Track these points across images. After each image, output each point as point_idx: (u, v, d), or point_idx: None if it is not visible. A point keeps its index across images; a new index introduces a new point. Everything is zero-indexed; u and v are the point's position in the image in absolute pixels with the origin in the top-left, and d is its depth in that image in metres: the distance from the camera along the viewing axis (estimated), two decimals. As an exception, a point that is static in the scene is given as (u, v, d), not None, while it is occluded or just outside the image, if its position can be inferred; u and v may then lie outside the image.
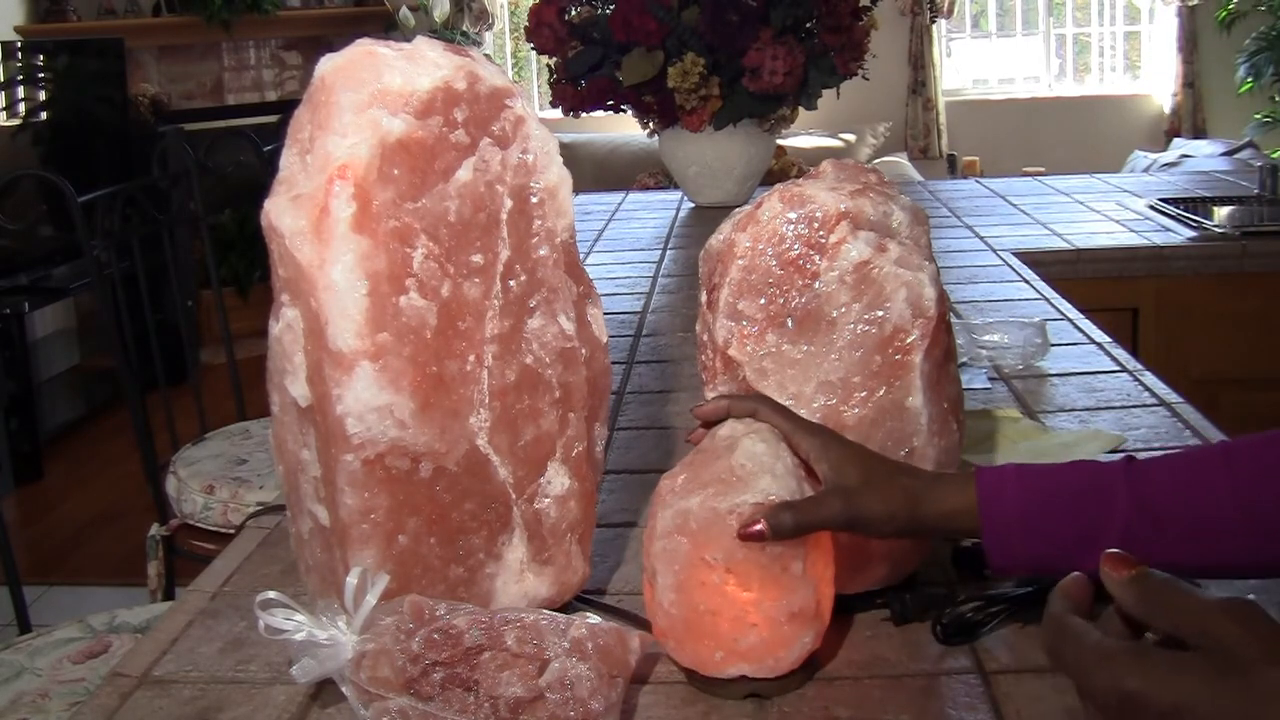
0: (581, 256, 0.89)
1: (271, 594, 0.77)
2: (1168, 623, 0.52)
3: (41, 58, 4.61)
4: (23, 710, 1.36)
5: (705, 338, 0.91)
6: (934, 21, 6.04)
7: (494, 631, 0.74)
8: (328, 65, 0.80)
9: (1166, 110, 6.05)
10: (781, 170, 3.97)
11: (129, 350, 2.06)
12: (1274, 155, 4.61)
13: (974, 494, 0.79)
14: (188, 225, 2.69)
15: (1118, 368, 1.44)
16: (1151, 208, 2.52)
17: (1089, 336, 1.58)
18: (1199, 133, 5.87)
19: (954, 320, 0.87)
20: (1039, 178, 3.05)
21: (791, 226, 0.86)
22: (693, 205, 2.74)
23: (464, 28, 5.86)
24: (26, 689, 1.40)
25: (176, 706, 0.80)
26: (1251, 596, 0.51)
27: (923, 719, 0.75)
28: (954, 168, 5.85)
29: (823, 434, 0.82)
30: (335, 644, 0.74)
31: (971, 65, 6.52)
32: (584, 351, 0.86)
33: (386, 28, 5.47)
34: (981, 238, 2.28)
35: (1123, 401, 1.32)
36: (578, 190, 1.00)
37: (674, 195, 2.91)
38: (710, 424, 0.85)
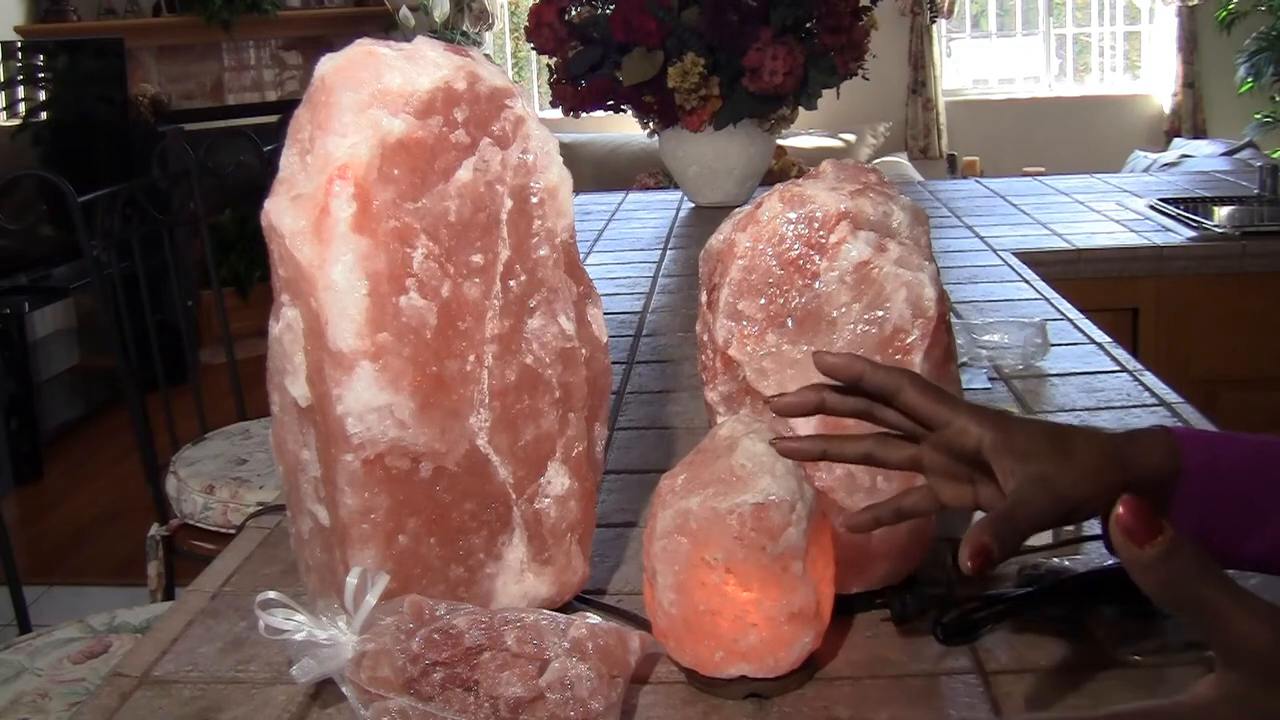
0: (581, 256, 0.89)
1: (271, 594, 0.77)
2: (1190, 612, 0.45)
3: (41, 58, 4.61)
4: (23, 710, 1.36)
5: (705, 338, 0.91)
6: (934, 21, 6.04)
7: (494, 631, 0.74)
8: (328, 65, 0.80)
9: (1166, 110, 6.05)
10: (781, 170, 3.97)
11: (129, 350, 2.06)
12: (1274, 155, 4.61)
13: (1178, 458, 0.71)
14: (188, 225, 2.69)
15: (1118, 368, 1.44)
16: (1151, 208, 2.52)
17: (1089, 336, 1.58)
18: (1199, 133, 5.87)
19: (954, 320, 0.87)
20: (1039, 178, 3.05)
21: (791, 226, 0.86)
22: (693, 205, 2.74)
23: (464, 28, 5.86)
24: (26, 689, 1.40)
25: (176, 706, 0.80)
26: None
27: (923, 718, 0.75)
28: (954, 168, 5.84)
29: (992, 418, 0.70)
30: (335, 644, 0.74)
31: (971, 65, 6.52)
32: (584, 351, 0.86)
33: (386, 28, 5.48)
34: (981, 238, 2.28)
35: (1123, 401, 1.32)
36: (578, 190, 1.00)
37: (674, 195, 2.91)
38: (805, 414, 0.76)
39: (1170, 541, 0.44)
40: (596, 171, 5.48)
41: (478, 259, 0.81)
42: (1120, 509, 0.44)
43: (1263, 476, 0.71)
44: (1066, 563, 0.89)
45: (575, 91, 2.52)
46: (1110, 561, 0.92)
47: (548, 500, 0.85)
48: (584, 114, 2.57)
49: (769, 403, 0.76)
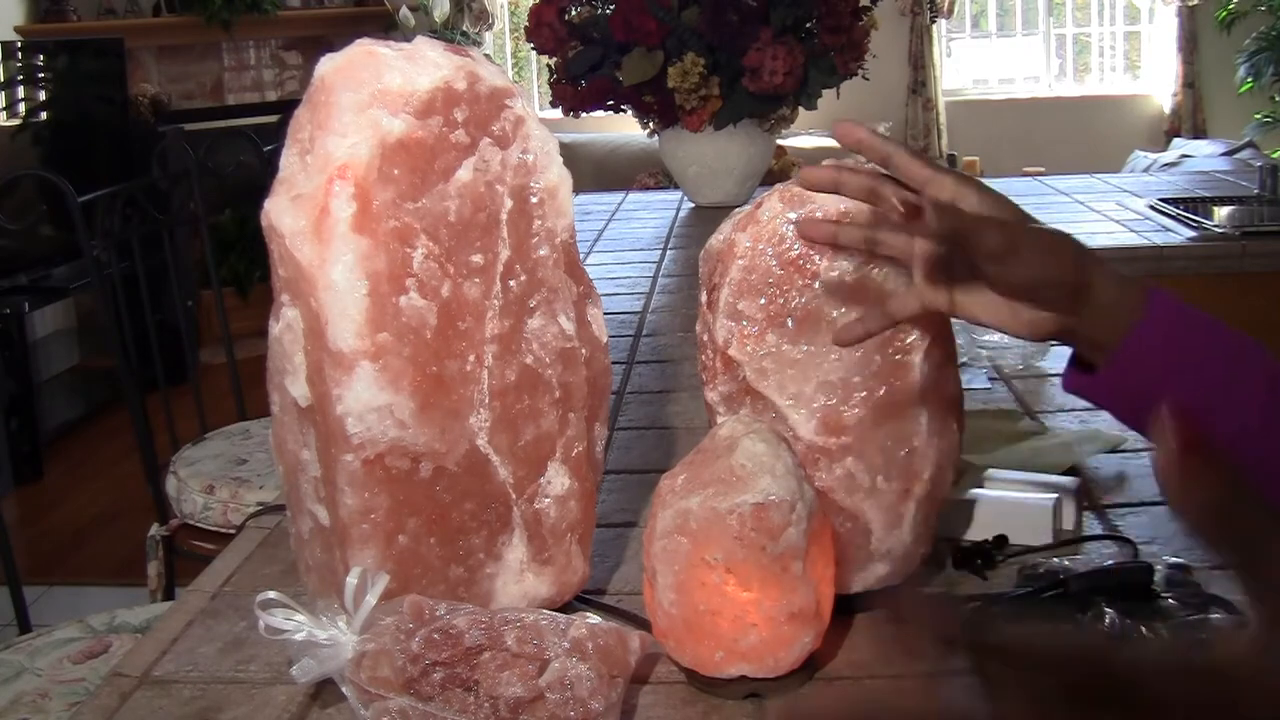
0: (581, 256, 0.89)
1: (271, 594, 0.77)
2: (1233, 547, 0.40)
3: (41, 58, 4.61)
4: (23, 710, 1.36)
5: (705, 338, 0.91)
6: (934, 21, 6.04)
7: (494, 631, 0.74)
8: (328, 65, 0.80)
9: (1166, 110, 6.05)
10: (781, 170, 3.97)
11: (129, 350, 2.06)
12: (1274, 155, 4.61)
13: (1140, 302, 0.74)
14: (188, 225, 2.68)
15: (1118, 368, 1.44)
16: (1151, 208, 2.52)
17: (1089, 336, 1.58)
18: (1199, 133, 5.87)
19: (954, 320, 0.87)
20: (1039, 178, 3.05)
21: (791, 226, 0.86)
22: (693, 205, 2.74)
23: (464, 28, 5.86)
24: (26, 689, 1.40)
25: (176, 706, 0.80)
26: None
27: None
28: (954, 168, 5.84)
29: (971, 180, 0.76)
30: (335, 644, 0.74)
31: (971, 65, 6.51)
32: (584, 351, 0.86)
33: (386, 28, 5.47)
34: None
35: (1123, 401, 1.31)
36: (578, 190, 1.00)
37: (674, 195, 2.91)
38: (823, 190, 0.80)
39: (1230, 482, 0.39)
40: (596, 171, 5.48)
41: (478, 259, 0.81)
42: (1168, 417, 0.39)
43: (1220, 360, 0.74)
44: (1066, 563, 0.89)
45: (575, 91, 2.52)
46: (1110, 562, 0.92)
47: (548, 500, 0.85)
48: (584, 114, 2.57)
49: (803, 177, 0.81)
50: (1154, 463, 0.40)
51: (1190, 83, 5.96)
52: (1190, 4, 5.86)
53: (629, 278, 2.09)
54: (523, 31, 3.15)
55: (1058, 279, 0.73)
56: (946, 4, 6.04)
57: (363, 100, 0.77)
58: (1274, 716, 0.38)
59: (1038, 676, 0.40)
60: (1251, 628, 0.40)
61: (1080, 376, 0.78)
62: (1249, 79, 5.38)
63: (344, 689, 0.74)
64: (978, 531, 0.97)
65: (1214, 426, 0.65)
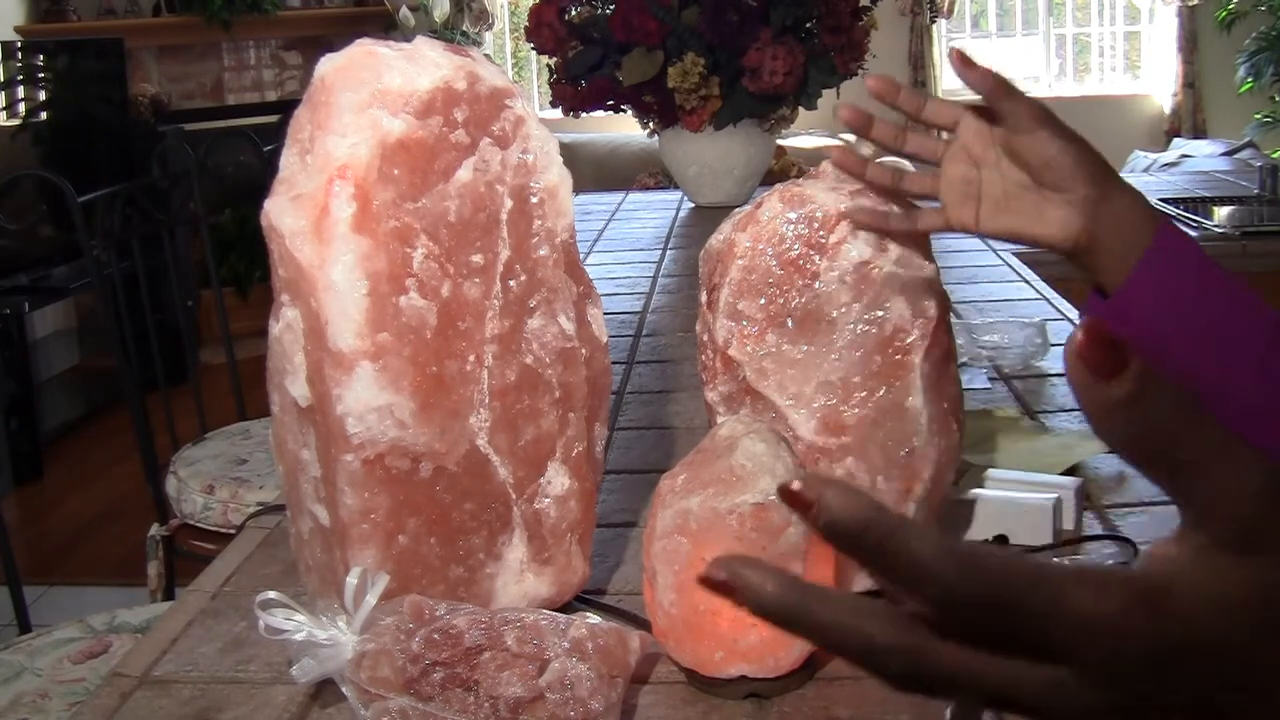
0: (581, 256, 0.89)
1: (271, 594, 0.77)
2: (1163, 463, 0.36)
3: (41, 58, 4.61)
4: (23, 710, 1.36)
5: (705, 338, 0.91)
6: (934, 21, 6.04)
7: (494, 631, 0.74)
8: (328, 65, 0.80)
9: (1166, 110, 6.05)
10: (781, 170, 3.97)
11: (129, 350, 2.06)
12: (1274, 155, 4.60)
13: (1149, 239, 0.79)
14: (188, 225, 2.68)
15: (1118, 368, 1.44)
16: (1151, 208, 2.52)
17: (1089, 336, 1.57)
18: (1199, 133, 5.87)
19: (954, 320, 0.87)
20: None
21: (791, 226, 0.86)
22: (693, 205, 2.74)
23: (464, 28, 5.86)
24: (26, 689, 1.40)
25: (176, 706, 0.80)
26: None
27: (923, 719, 0.75)
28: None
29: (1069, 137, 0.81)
30: (335, 644, 0.74)
31: (971, 65, 6.51)
32: (584, 351, 0.86)
33: (386, 28, 5.47)
34: (981, 237, 2.28)
35: (1123, 401, 1.31)
36: (578, 190, 1.00)
37: (674, 195, 2.91)
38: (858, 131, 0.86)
39: (1141, 375, 0.34)
40: (596, 171, 5.48)
41: (478, 259, 0.81)
42: (1079, 333, 0.34)
43: (1220, 301, 0.78)
44: (1066, 563, 0.89)
45: (575, 91, 2.52)
46: (1110, 562, 0.92)
47: (548, 500, 0.85)
48: (584, 114, 2.57)
49: (842, 115, 0.87)
50: (1068, 374, 0.35)
51: (1190, 83, 5.96)
52: (1190, 4, 5.86)
53: (629, 278, 2.09)
54: (523, 31, 3.15)
55: (1087, 157, 0.79)
56: (946, 4, 6.04)
57: (363, 100, 0.77)
58: (1203, 635, 0.35)
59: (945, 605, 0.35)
60: (1174, 540, 0.36)
61: (1099, 300, 0.82)
62: (1249, 79, 5.38)
63: (344, 689, 0.74)
64: (978, 531, 0.97)
65: (1210, 366, 0.66)
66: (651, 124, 2.57)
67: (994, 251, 2.16)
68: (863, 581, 0.87)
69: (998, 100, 0.80)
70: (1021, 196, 0.82)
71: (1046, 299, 1.80)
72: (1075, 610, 0.34)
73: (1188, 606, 0.35)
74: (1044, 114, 0.80)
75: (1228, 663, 0.35)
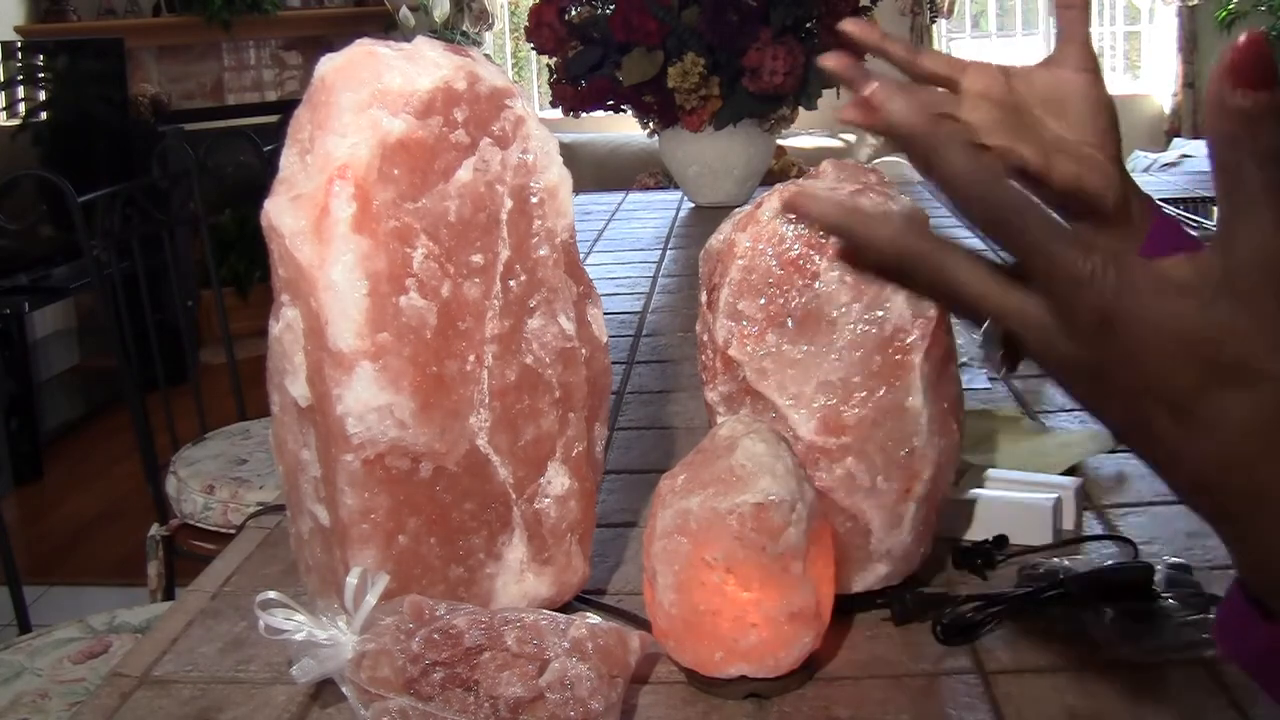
0: (581, 256, 0.89)
1: (271, 594, 0.77)
2: (1230, 183, 0.37)
3: (41, 58, 4.61)
4: (23, 710, 1.36)
5: (705, 338, 0.91)
6: (934, 21, 6.04)
7: (494, 631, 0.74)
8: (328, 65, 0.80)
9: (1167, 110, 6.05)
10: (781, 170, 3.97)
11: (129, 350, 2.07)
12: (1274, 155, 4.60)
13: (1146, 217, 0.80)
14: (188, 225, 2.68)
15: (1118, 368, 1.44)
16: (1151, 208, 2.52)
17: (1089, 336, 1.58)
18: (1199, 133, 5.87)
19: (954, 320, 0.87)
20: (1039, 178, 3.04)
21: (791, 226, 0.86)
22: (693, 205, 2.73)
23: (464, 28, 5.86)
24: (26, 689, 1.40)
25: (176, 706, 0.80)
26: None
27: (923, 719, 0.75)
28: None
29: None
30: (335, 644, 0.74)
31: (971, 65, 6.51)
32: (584, 351, 0.86)
33: (386, 28, 5.48)
34: (982, 238, 2.28)
35: (1123, 401, 1.31)
36: (578, 190, 1.00)
37: (674, 195, 2.91)
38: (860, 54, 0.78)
39: (1271, 104, 0.35)
40: (596, 171, 5.48)
41: (478, 259, 0.81)
42: (1241, 39, 0.35)
43: None
44: (1066, 562, 0.89)
45: (575, 91, 2.52)
46: (1110, 562, 0.92)
47: (548, 500, 0.85)
48: (584, 114, 2.57)
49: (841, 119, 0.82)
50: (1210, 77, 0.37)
51: (1190, 83, 5.96)
52: (1190, 4, 5.86)
53: (629, 278, 2.09)
54: (523, 31, 3.15)
55: (1086, 131, 0.81)
56: (946, 4, 6.04)
57: (363, 100, 0.77)
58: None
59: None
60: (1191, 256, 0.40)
61: None
62: (1249, 79, 5.37)
63: (344, 689, 0.74)
64: (978, 531, 0.97)
65: None
66: (651, 124, 2.57)
67: (994, 251, 2.15)
68: (863, 581, 0.87)
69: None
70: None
71: (1046, 299, 1.80)
72: (1064, 262, 0.41)
73: (1150, 314, 0.40)
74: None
75: (1165, 386, 0.39)
